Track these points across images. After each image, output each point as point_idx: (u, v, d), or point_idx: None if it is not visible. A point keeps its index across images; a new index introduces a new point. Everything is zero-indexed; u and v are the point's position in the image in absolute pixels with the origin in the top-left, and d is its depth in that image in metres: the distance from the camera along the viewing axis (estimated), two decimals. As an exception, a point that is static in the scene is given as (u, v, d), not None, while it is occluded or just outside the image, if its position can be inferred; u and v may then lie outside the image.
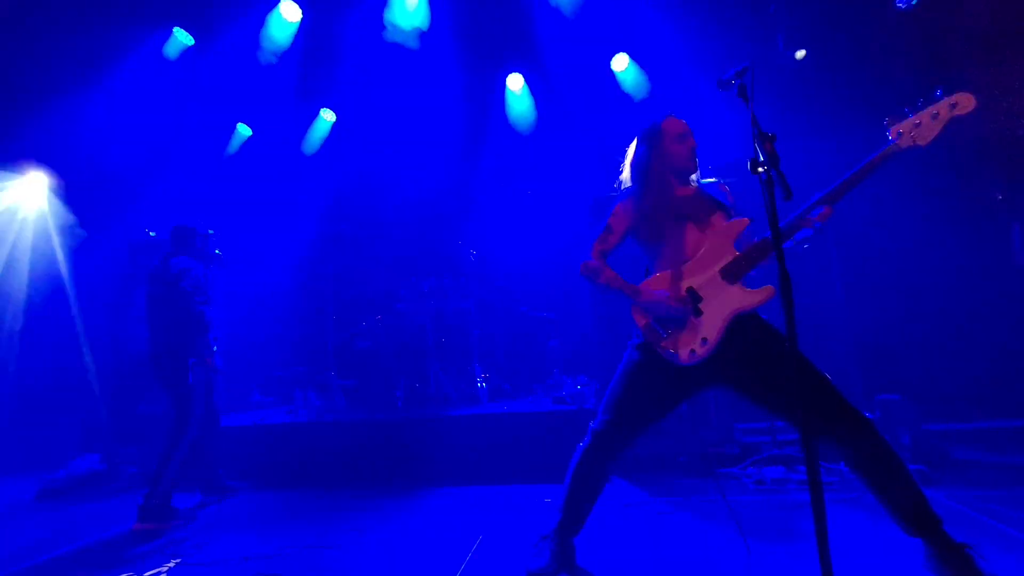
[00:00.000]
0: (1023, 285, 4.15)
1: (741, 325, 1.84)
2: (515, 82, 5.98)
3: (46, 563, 2.67)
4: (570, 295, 5.62)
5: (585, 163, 5.85)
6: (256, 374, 5.81)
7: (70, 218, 5.62)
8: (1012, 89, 3.83)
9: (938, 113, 1.66)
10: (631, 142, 2.16)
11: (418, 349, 4.73)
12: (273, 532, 2.89)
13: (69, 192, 5.76)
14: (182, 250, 3.49)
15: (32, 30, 4.66)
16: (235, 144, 6.22)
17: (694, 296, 1.88)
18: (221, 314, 3.56)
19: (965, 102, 1.64)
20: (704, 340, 1.83)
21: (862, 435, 1.69)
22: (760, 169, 1.42)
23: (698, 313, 1.86)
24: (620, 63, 5.62)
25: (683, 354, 1.86)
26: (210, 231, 3.73)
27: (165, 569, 2.47)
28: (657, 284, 1.95)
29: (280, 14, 5.08)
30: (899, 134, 1.70)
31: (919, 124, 1.68)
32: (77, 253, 5.70)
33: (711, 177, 2.16)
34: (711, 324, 1.84)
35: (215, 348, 3.43)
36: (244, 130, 6.22)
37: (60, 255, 5.58)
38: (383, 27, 5.14)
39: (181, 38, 5.15)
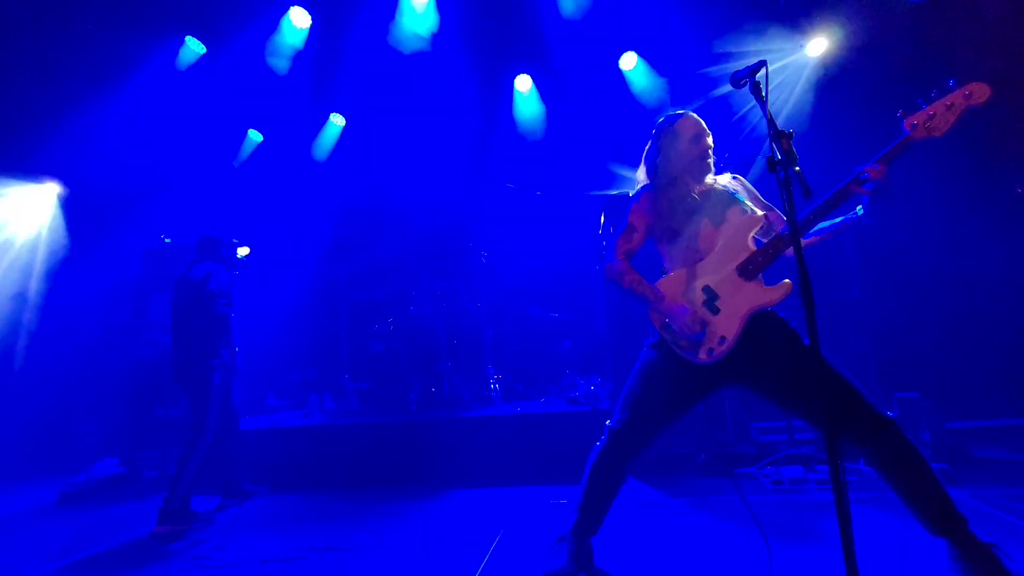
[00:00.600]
0: (1044, 280, 4.08)
1: (759, 323, 1.83)
2: (523, 83, 5.99)
3: (70, 565, 2.71)
4: (581, 295, 5.61)
5: (595, 163, 5.84)
6: (270, 378, 5.87)
7: (62, 236, 5.71)
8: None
9: (952, 103, 1.64)
10: (647, 140, 2.14)
11: (431, 351, 4.74)
12: (291, 535, 2.92)
13: (85, 200, 5.86)
14: (208, 257, 3.56)
15: (48, 42, 4.75)
16: (246, 150, 6.29)
17: (710, 294, 1.87)
18: (239, 318, 3.60)
19: (980, 92, 1.62)
20: (722, 339, 1.82)
21: (885, 434, 1.66)
22: (778, 168, 1.41)
23: (715, 311, 1.85)
24: (628, 62, 5.60)
25: (701, 353, 1.85)
26: (235, 240, 3.78)
27: (186, 571, 2.50)
28: (673, 283, 1.93)
29: (290, 20, 5.13)
30: (913, 126, 1.68)
31: (933, 115, 1.66)
32: (93, 259, 5.80)
33: (727, 173, 2.13)
34: (728, 322, 1.83)
35: (236, 350, 3.48)
36: (255, 136, 6.29)
37: (39, 268, 5.64)
38: (391, 31, 5.17)
39: (193, 47, 5.22)
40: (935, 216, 4.19)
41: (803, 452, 3.24)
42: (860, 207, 1.80)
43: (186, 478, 3.14)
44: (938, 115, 1.65)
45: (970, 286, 4.18)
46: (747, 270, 1.84)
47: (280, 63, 5.30)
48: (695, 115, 2.05)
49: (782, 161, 1.43)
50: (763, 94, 1.59)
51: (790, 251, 1.90)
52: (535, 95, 6.07)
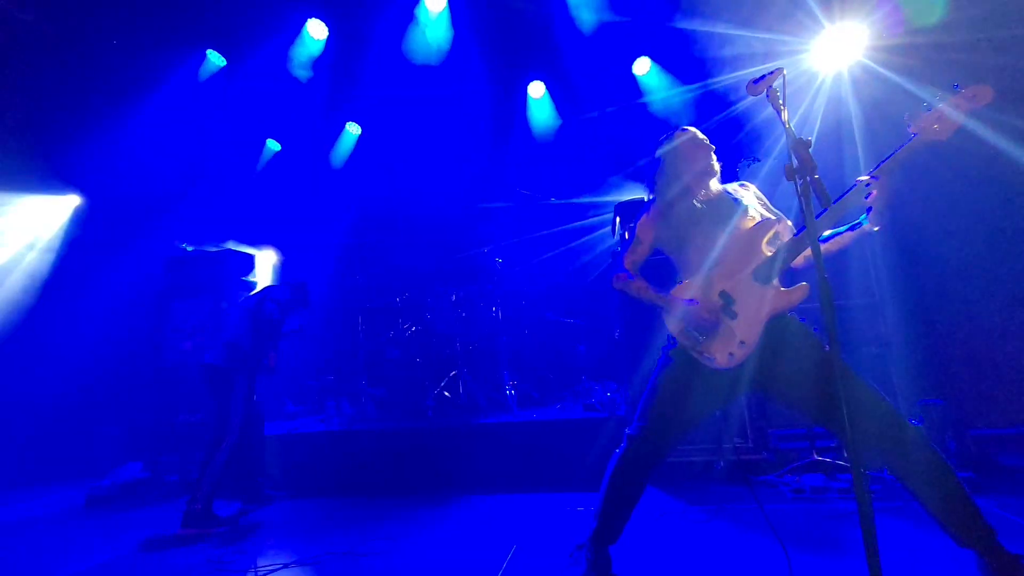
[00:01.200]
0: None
1: (779, 327, 1.82)
2: (537, 90, 6.03)
3: (95, 567, 2.78)
4: (596, 301, 5.61)
5: (609, 168, 5.84)
6: (289, 384, 5.94)
7: (76, 246, 5.87)
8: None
9: (957, 106, 1.63)
10: (653, 154, 2.18)
11: (447, 357, 4.77)
12: (310, 539, 2.95)
13: (109, 210, 6.03)
14: (277, 294, 3.73)
15: (76, 59, 4.91)
16: (265, 159, 6.42)
17: (727, 299, 1.87)
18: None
19: (983, 94, 1.61)
20: (741, 343, 1.82)
21: (910, 443, 1.64)
22: (795, 176, 1.41)
23: (733, 316, 1.85)
24: (642, 67, 5.61)
25: (720, 358, 1.84)
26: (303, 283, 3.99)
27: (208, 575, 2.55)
28: (687, 291, 1.94)
29: (307, 32, 5.23)
30: (920, 129, 1.67)
31: (939, 118, 1.64)
32: (116, 267, 5.95)
33: (734, 181, 2.13)
34: (747, 326, 1.83)
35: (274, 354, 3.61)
36: (273, 145, 6.41)
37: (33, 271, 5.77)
38: (406, 41, 5.24)
39: (214, 60, 5.35)
40: (961, 221, 4.11)
41: (824, 460, 3.19)
42: (864, 216, 1.78)
43: (208, 481, 3.21)
44: (943, 118, 1.64)
45: (994, 290, 4.09)
46: (763, 274, 1.84)
47: (301, 72, 5.41)
48: (695, 130, 2.09)
49: (800, 169, 1.43)
50: (780, 102, 1.59)
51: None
52: (548, 101, 6.10)
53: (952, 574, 1.88)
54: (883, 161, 1.71)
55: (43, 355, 5.48)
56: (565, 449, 3.69)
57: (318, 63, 5.45)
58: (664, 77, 5.58)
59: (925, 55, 3.93)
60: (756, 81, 1.64)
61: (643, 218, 2.11)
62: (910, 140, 1.68)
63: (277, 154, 6.49)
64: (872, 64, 4.26)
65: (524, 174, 6.26)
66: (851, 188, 1.74)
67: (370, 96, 5.82)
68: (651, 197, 2.17)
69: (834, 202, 1.73)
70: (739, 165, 3.98)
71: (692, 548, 2.40)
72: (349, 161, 6.62)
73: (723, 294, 1.88)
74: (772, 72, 1.60)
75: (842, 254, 1.92)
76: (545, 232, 6.06)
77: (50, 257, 5.85)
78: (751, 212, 1.96)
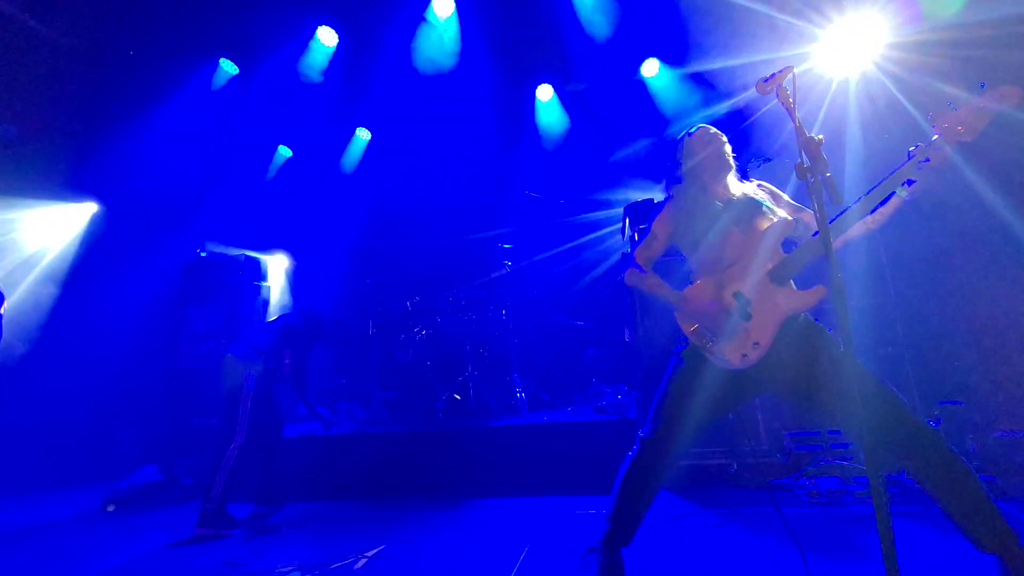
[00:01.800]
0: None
1: (793, 328, 1.80)
2: (545, 93, 6.04)
3: (112, 569, 2.81)
4: (606, 303, 5.58)
5: (618, 170, 5.83)
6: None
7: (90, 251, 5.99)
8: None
9: (984, 107, 1.60)
10: (668, 151, 2.17)
11: (457, 361, 4.77)
12: (324, 542, 2.97)
13: (126, 217, 6.14)
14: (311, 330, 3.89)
15: (95, 72, 5.03)
16: (277, 165, 6.50)
17: (742, 300, 1.85)
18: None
19: (1011, 95, 1.57)
20: (756, 344, 1.80)
21: (929, 446, 1.61)
22: (807, 175, 1.39)
23: (748, 318, 1.83)
24: (651, 68, 5.59)
25: (734, 359, 1.82)
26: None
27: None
28: (701, 290, 1.92)
29: (318, 39, 5.30)
30: (944, 129, 1.64)
31: (964, 118, 1.62)
32: (133, 274, 6.05)
33: (753, 181, 2.11)
34: (762, 328, 1.81)
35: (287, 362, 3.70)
36: (285, 152, 6.49)
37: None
38: (415, 45, 5.28)
39: (227, 68, 5.44)
40: (976, 216, 4.03)
41: (840, 463, 3.14)
42: (901, 188, 1.73)
43: (220, 481, 3.27)
44: (969, 118, 1.61)
45: (1016, 287, 4.00)
46: (779, 275, 1.82)
47: (312, 76, 5.48)
48: (712, 127, 2.07)
49: (811, 167, 1.41)
50: (790, 100, 1.58)
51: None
52: (557, 103, 6.11)
53: (974, 580, 1.84)
54: (901, 166, 1.67)
55: (62, 360, 5.58)
56: (576, 452, 3.67)
57: (328, 70, 5.51)
58: (673, 79, 5.56)
59: (944, 52, 3.86)
60: (766, 79, 1.63)
61: (661, 214, 2.09)
62: (935, 139, 1.65)
63: (289, 160, 6.57)
64: (886, 64, 4.21)
65: (533, 176, 6.27)
66: (906, 162, 1.68)
67: (380, 101, 5.87)
68: (668, 195, 2.15)
69: (890, 174, 1.69)
70: (748, 165, 3.94)
71: (706, 552, 2.37)
72: (360, 166, 6.68)
73: (738, 295, 1.86)
74: (782, 70, 1.59)
75: (857, 250, 1.89)
76: (554, 234, 6.06)
77: (68, 264, 5.97)
78: (769, 213, 1.94)
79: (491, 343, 5.05)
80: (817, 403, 1.78)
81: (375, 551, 2.73)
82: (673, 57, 5.42)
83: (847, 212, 1.72)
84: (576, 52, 5.27)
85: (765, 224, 1.91)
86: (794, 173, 1.43)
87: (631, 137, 5.87)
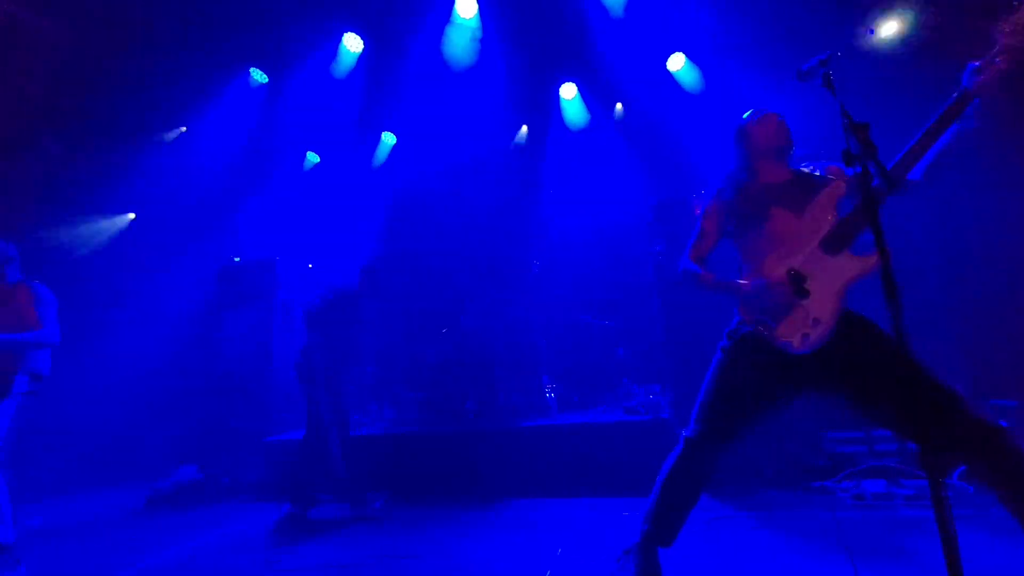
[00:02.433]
0: None
1: (848, 321, 1.72)
2: (568, 91, 6.00)
3: (152, 565, 2.90)
4: (634, 302, 5.49)
5: (646, 167, 5.74)
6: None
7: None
8: None
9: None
10: (701, 142, 2.12)
11: (485, 361, 4.77)
12: (355, 542, 3.00)
13: (161, 225, 6.37)
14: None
15: (131, 87, 5.22)
16: (306, 170, 6.63)
17: (797, 278, 1.78)
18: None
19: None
20: (816, 320, 1.71)
21: (996, 445, 1.50)
22: (854, 161, 1.33)
23: (804, 294, 1.75)
24: (676, 63, 5.49)
25: (795, 340, 1.73)
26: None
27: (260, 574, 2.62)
28: (757, 275, 1.86)
29: (344, 46, 5.38)
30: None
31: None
32: (171, 279, 6.26)
33: (807, 166, 2.02)
34: (822, 302, 1.72)
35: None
36: (313, 157, 6.62)
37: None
38: (440, 46, 5.31)
39: (257, 77, 5.57)
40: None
41: (885, 464, 3.01)
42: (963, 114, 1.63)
43: (334, 456, 3.55)
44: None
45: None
46: (832, 244, 1.75)
47: (341, 74, 5.57)
48: (772, 112, 1.99)
49: (858, 155, 1.35)
50: (832, 85, 1.51)
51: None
52: (581, 101, 6.06)
53: (1039, 589, 1.73)
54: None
55: (103, 363, 5.78)
56: (607, 453, 3.62)
57: (354, 74, 5.58)
58: (698, 73, 5.45)
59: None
60: (806, 67, 1.57)
61: (707, 207, 2.04)
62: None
63: (317, 165, 6.69)
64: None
65: (560, 174, 6.24)
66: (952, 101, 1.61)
67: (405, 103, 5.92)
68: (717, 187, 2.08)
69: (942, 109, 1.62)
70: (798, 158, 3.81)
71: (745, 556, 2.30)
72: (386, 168, 6.76)
73: (792, 272, 1.79)
74: (824, 56, 1.53)
75: (896, 242, 1.79)
76: (582, 233, 6.01)
77: (109, 271, 6.21)
78: (819, 184, 1.86)
79: (519, 343, 5.02)
80: (873, 401, 1.67)
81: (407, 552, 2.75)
82: (698, 49, 5.32)
83: (908, 151, 1.64)
84: (602, 47, 5.22)
85: (816, 199, 1.83)
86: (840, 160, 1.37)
87: (658, 131, 5.77)
